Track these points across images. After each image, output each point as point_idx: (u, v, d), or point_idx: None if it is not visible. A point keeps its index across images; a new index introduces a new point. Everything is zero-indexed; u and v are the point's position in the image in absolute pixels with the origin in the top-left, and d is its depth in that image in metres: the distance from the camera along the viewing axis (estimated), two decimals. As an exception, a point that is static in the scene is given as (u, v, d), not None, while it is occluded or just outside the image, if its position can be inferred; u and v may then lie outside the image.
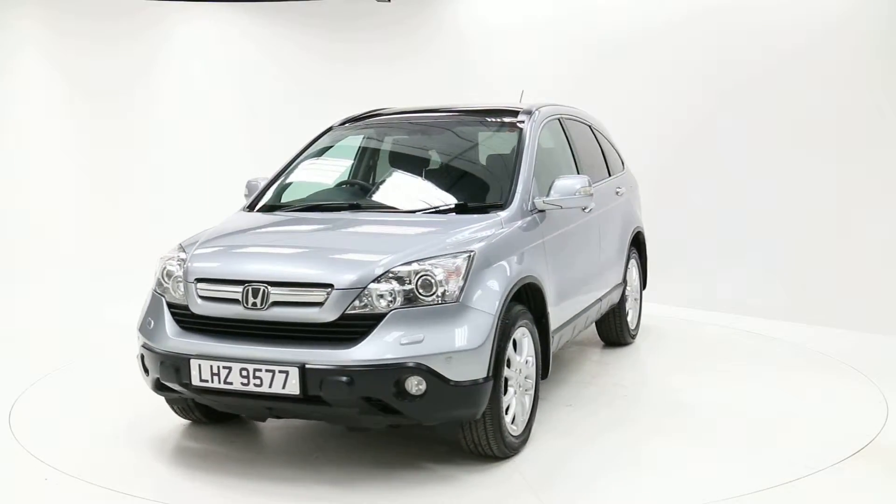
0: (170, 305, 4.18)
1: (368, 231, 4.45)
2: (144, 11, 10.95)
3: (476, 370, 3.77)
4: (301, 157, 5.36)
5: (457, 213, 4.47)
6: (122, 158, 10.88)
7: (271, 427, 4.72)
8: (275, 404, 3.83)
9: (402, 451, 4.30)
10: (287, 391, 3.71)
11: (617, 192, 6.14)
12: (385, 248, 3.97)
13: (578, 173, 5.42)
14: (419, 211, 4.60)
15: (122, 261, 9.43)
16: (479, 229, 4.19)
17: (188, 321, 4.08)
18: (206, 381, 3.86)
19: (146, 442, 4.56)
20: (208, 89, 11.14)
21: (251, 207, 5.02)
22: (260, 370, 3.75)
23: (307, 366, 3.67)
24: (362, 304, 3.75)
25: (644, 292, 6.82)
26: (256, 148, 10.73)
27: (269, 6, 11.23)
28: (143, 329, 4.22)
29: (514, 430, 4.18)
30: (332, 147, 5.45)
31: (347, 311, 3.75)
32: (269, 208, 4.95)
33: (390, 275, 3.78)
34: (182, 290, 4.12)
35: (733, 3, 8.20)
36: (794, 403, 5.09)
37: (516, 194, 4.53)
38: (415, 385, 3.66)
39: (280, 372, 3.72)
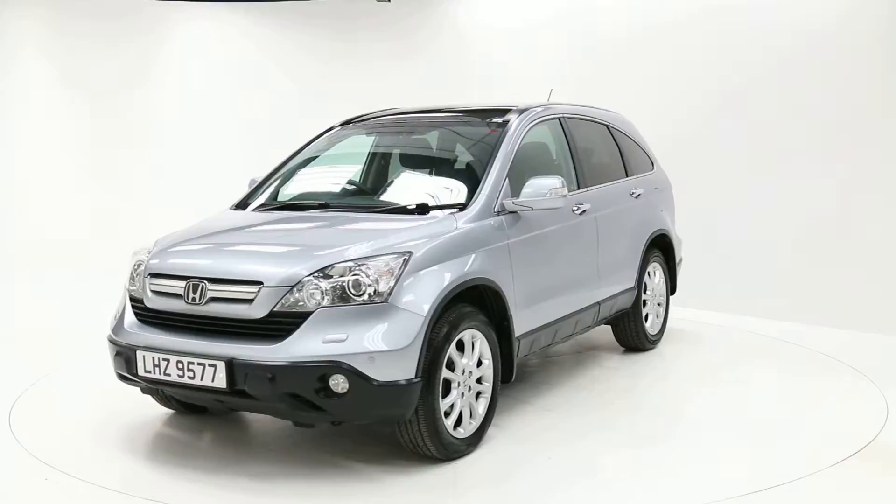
0: (132, 299, 4.36)
1: (319, 230, 4.49)
2: (144, 11, 10.96)
3: (402, 371, 3.77)
4: (291, 158, 5.49)
5: (418, 213, 4.45)
6: (121, 158, 10.89)
7: (276, 425, 4.72)
8: (221, 397, 3.91)
9: (340, 449, 4.31)
10: (216, 384, 3.80)
11: (632, 194, 5.94)
12: (324, 247, 4.01)
13: (576, 175, 5.37)
14: (381, 211, 4.63)
15: (122, 260, 9.41)
16: (429, 230, 4.19)
17: (143, 315, 4.24)
18: (150, 372, 4.01)
19: (146, 442, 4.56)
20: (208, 89, 11.14)
21: (238, 206, 5.13)
22: (193, 363, 3.86)
23: (234, 361, 3.76)
24: (291, 301, 3.80)
25: (672, 297, 6.55)
26: (256, 147, 10.73)
27: (269, 6, 11.23)
28: (112, 322, 4.42)
29: (461, 432, 4.16)
30: (322, 148, 5.53)
31: (276, 309, 3.81)
32: (243, 205, 5.10)
33: (320, 273, 3.82)
34: (140, 284, 4.29)
35: (733, 3, 8.20)
36: (794, 403, 5.09)
37: (481, 195, 4.52)
38: (337, 383, 3.69)
39: (210, 366, 3.81)
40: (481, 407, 4.30)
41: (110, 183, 10.81)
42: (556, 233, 4.96)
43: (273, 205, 5.03)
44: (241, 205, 5.13)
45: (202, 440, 4.57)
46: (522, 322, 4.58)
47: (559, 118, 5.46)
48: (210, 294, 3.95)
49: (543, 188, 4.56)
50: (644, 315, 6.08)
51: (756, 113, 8.02)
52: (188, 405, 4.75)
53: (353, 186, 5.32)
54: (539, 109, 5.29)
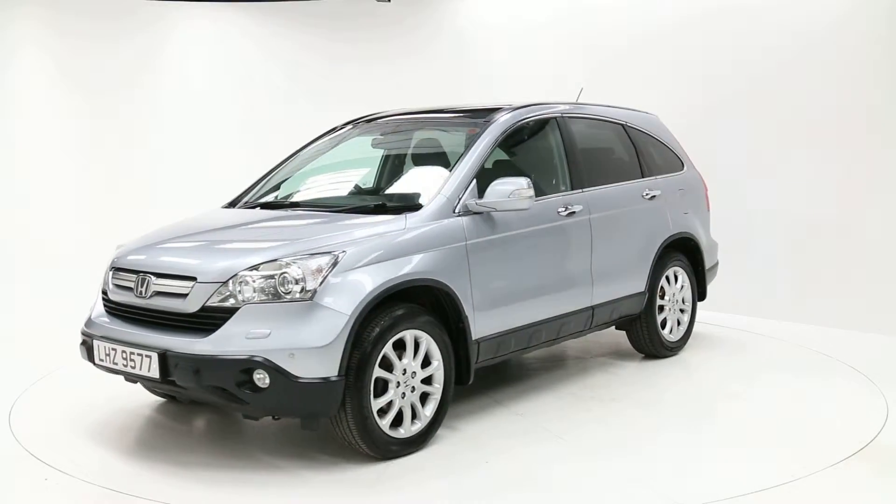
0: (103, 292, 4.58)
1: (269, 229, 4.59)
2: (144, 10, 10.96)
3: (324, 368, 3.82)
4: (287, 160, 5.64)
5: (374, 212, 4.50)
6: (121, 157, 10.89)
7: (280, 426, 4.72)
8: (161, 386, 4.13)
9: (275, 445, 4.39)
10: (151, 374, 4.00)
11: (645, 195, 5.79)
12: (260, 246, 4.14)
13: (570, 176, 5.26)
14: (339, 210, 4.68)
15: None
16: (372, 230, 4.23)
17: (108, 307, 4.50)
18: (103, 360, 4.27)
19: (146, 442, 4.56)
20: (208, 89, 11.15)
21: (229, 204, 5.32)
22: (134, 353, 4.07)
23: (167, 353, 3.93)
24: (221, 297, 3.93)
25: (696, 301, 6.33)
26: (256, 147, 10.73)
27: (269, 6, 11.23)
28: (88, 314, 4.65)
29: (401, 432, 4.17)
30: (315, 150, 5.64)
31: (208, 304, 3.95)
32: (234, 204, 5.27)
33: (251, 271, 3.92)
34: (105, 277, 4.57)
35: (733, 3, 8.20)
36: (794, 403, 5.09)
37: (439, 196, 4.52)
38: (259, 378, 3.78)
39: (146, 356, 4.01)
40: (429, 408, 4.31)
41: (110, 182, 10.81)
42: (531, 234, 4.89)
43: (252, 204, 5.18)
44: (232, 203, 5.29)
45: (204, 441, 4.57)
46: (484, 325, 4.55)
47: (555, 118, 5.39)
48: (154, 288, 4.16)
49: (507, 189, 4.53)
50: (660, 321, 5.91)
51: (756, 113, 8.02)
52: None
53: (328, 186, 5.38)
54: (523, 110, 5.20)
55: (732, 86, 8.14)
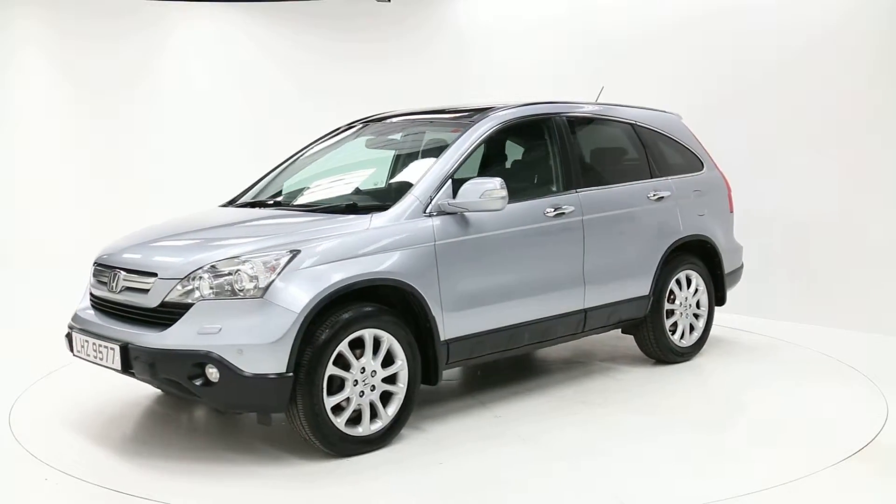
0: (91, 286, 4.74)
1: (240, 227, 4.66)
2: (144, 10, 10.96)
3: (272, 365, 3.90)
4: (289, 159, 5.71)
5: (345, 212, 4.55)
6: (121, 157, 10.89)
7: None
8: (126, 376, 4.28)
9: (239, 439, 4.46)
10: (114, 366, 4.17)
11: (651, 196, 5.67)
12: (220, 243, 4.26)
13: (562, 176, 5.20)
14: (313, 210, 4.76)
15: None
16: (332, 229, 4.29)
17: (91, 300, 4.69)
18: (80, 352, 4.47)
19: (146, 442, 4.56)
20: (208, 88, 11.15)
21: (228, 203, 5.41)
22: (102, 345, 4.25)
23: (129, 346, 4.10)
24: (179, 293, 4.06)
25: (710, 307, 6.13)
26: (256, 146, 10.74)
27: (269, 6, 11.23)
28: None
29: (359, 430, 4.21)
30: (315, 150, 5.69)
31: (167, 299, 4.09)
32: (231, 203, 5.38)
33: (207, 268, 4.04)
34: (90, 272, 4.75)
35: (733, 4, 8.19)
36: (794, 403, 5.09)
37: (409, 196, 4.55)
38: (209, 373, 3.92)
39: (110, 348, 4.18)
40: (392, 408, 4.33)
41: (110, 182, 10.81)
42: (512, 235, 4.85)
43: (243, 203, 5.29)
44: (231, 202, 5.40)
45: (204, 441, 4.57)
46: (455, 326, 4.55)
47: (550, 118, 5.33)
48: (123, 283, 4.34)
49: (478, 190, 4.52)
50: (669, 326, 5.77)
51: (756, 113, 8.02)
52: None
53: (318, 187, 5.39)
54: (510, 111, 5.17)
55: (732, 86, 8.14)
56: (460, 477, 4.01)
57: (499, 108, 5.17)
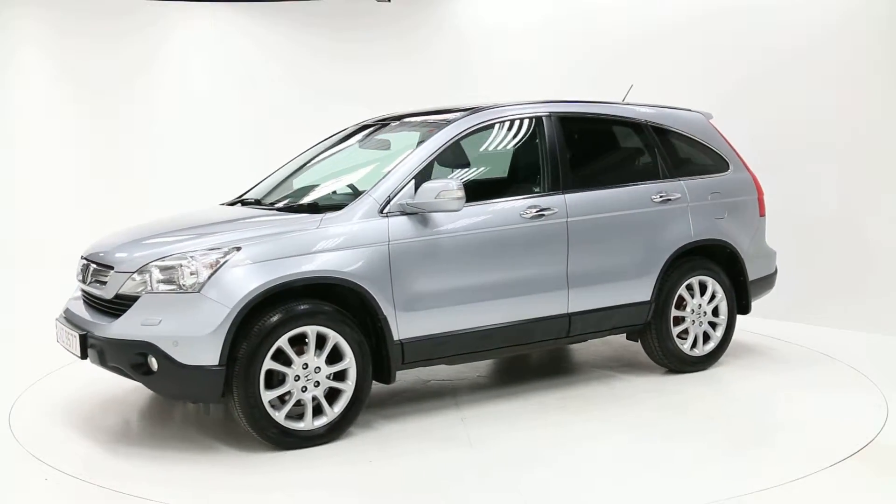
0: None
1: (202, 225, 4.72)
2: (144, 10, 10.96)
3: (205, 357, 4.10)
4: (291, 161, 5.78)
5: (309, 212, 4.65)
6: (121, 157, 10.88)
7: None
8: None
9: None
10: (76, 352, 4.43)
11: (655, 199, 5.45)
12: (175, 240, 4.43)
13: (549, 177, 5.10)
14: (284, 210, 4.87)
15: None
16: (282, 228, 4.43)
17: (81, 293, 4.88)
18: (59, 339, 4.75)
19: (146, 442, 4.56)
20: (208, 88, 11.14)
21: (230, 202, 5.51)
22: (69, 333, 4.52)
23: (87, 334, 4.37)
24: (131, 286, 4.30)
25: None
26: (256, 146, 10.74)
27: (269, 6, 11.23)
28: None
29: (301, 426, 4.32)
30: (315, 151, 5.73)
31: (120, 291, 4.35)
32: (231, 203, 5.47)
33: (155, 263, 4.26)
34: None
35: (733, 4, 8.19)
36: (794, 403, 5.09)
37: (365, 197, 4.61)
38: (150, 362, 4.16)
39: (72, 336, 4.46)
40: (339, 405, 4.42)
41: (110, 182, 10.80)
42: (477, 236, 4.80)
43: (231, 201, 5.44)
44: (233, 201, 5.48)
45: (204, 440, 4.57)
46: (411, 326, 4.58)
47: (540, 117, 5.23)
48: (91, 276, 4.62)
49: (434, 190, 4.54)
50: (676, 334, 5.54)
51: (756, 113, 8.01)
52: None
53: (298, 186, 5.40)
54: (487, 112, 5.12)
55: (732, 86, 8.13)
56: (379, 476, 4.06)
57: (479, 109, 5.13)
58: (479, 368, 5.87)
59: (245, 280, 4.17)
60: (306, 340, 4.33)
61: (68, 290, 5.15)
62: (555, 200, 5.08)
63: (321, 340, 4.35)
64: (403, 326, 4.55)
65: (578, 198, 5.17)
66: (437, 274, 4.67)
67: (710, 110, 6.49)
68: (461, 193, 4.55)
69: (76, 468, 4.16)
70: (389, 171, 4.71)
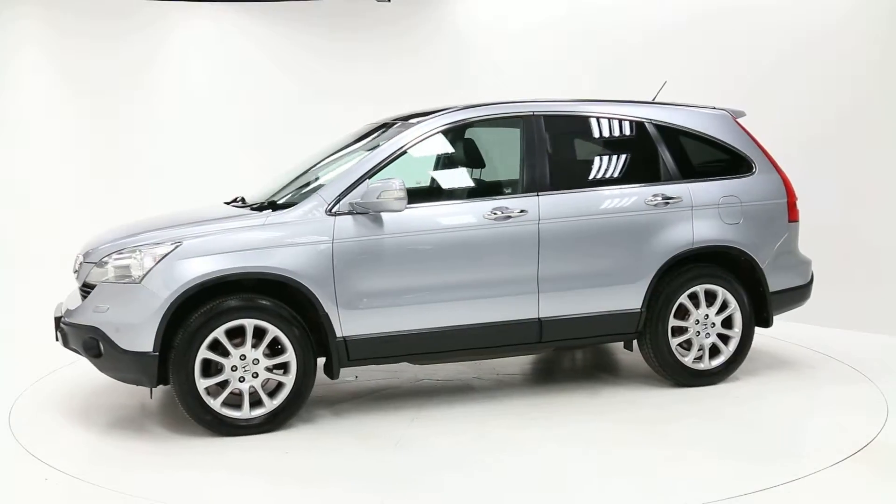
0: None
1: (175, 223, 4.80)
2: (144, 10, 10.96)
3: (140, 343, 4.40)
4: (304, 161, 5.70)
5: (272, 210, 4.76)
6: (122, 157, 10.88)
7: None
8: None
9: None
10: (59, 341, 4.79)
11: (650, 202, 5.16)
12: (134, 234, 4.66)
13: (525, 177, 4.99)
14: (254, 209, 4.93)
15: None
16: (230, 224, 4.63)
17: None
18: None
19: (146, 442, 4.56)
20: (208, 88, 11.14)
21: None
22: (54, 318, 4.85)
23: (61, 319, 4.74)
24: (94, 275, 4.62)
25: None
26: (256, 146, 10.74)
27: (269, 6, 11.23)
28: None
29: (237, 414, 4.54)
30: (313, 152, 5.71)
31: (86, 280, 4.69)
32: (233, 200, 5.51)
33: (113, 254, 4.56)
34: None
35: (733, 4, 8.19)
36: (795, 403, 5.09)
37: (315, 195, 4.74)
38: (100, 346, 4.47)
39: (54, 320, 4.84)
40: (279, 397, 4.60)
41: (110, 182, 10.81)
42: (430, 236, 4.77)
43: (228, 201, 5.51)
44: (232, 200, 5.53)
45: (204, 440, 4.57)
46: (355, 324, 4.66)
47: (521, 117, 5.11)
48: (79, 267, 4.86)
49: (376, 190, 4.60)
50: (675, 345, 5.24)
51: (756, 113, 8.00)
52: None
53: (284, 184, 5.33)
54: (463, 111, 5.08)
55: (733, 86, 8.13)
56: (283, 467, 4.16)
57: (449, 110, 5.11)
58: (479, 370, 5.86)
59: (183, 273, 4.43)
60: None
61: (68, 290, 5.15)
62: (527, 202, 4.95)
63: (261, 334, 4.53)
64: (347, 324, 4.64)
65: (554, 200, 5.01)
66: (383, 274, 4.71)
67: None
68: (402, 194, 4.59)
69: (76, 468, 4.16)
70: (343, 171, 4.84)
